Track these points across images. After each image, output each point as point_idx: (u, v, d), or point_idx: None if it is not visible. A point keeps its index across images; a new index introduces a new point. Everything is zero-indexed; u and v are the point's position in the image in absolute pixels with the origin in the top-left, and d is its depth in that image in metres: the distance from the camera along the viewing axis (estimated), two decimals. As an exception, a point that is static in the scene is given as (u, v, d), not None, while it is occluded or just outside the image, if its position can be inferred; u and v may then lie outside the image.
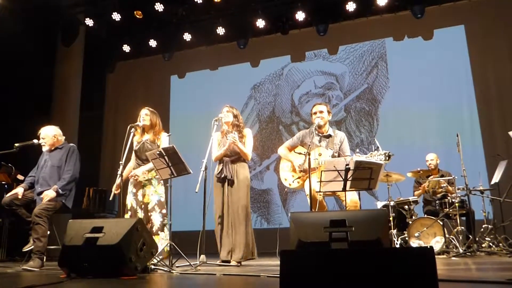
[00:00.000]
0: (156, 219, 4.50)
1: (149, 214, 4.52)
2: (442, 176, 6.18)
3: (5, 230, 6.25)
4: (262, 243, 7.01)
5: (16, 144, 4.98)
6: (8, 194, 4.67)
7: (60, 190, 4.53)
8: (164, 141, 4.71)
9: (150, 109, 4.82)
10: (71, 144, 4.91)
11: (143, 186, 4.60)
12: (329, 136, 4.56)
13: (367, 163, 3.80)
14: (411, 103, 8.05)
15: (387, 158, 4.02)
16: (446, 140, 6.97)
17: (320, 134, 4.57)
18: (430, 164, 6.29)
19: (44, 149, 4.80)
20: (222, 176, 4.62)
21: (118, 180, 4.47)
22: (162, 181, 4.61)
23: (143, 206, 4.56)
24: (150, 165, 4.41)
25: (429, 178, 6.10)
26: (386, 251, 1.91)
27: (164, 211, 4.55)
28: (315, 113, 4.60)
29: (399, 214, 5.96)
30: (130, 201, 4.61)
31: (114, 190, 4.59)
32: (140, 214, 4.51)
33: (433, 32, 8.25)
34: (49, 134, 4.81)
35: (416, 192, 6.34)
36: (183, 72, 9.96)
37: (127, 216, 4.55)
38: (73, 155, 4.77)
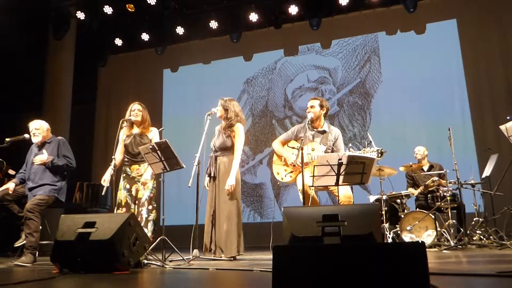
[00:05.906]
0: (144, 214, 4.44)
1: (140, 209, 4.46)
2: (431, 166, 6.23)
3: (-3, 225, 6.21)
4: (255, 237, 7.08)
5: (7, 139, 4.90)
6: (-1, 189, 4.64)
7: (53, 161, 4.52)
8: (155, 136, 4.67)
9: (142, 104, 4.76)
10: (60, 137, 4.85)
11: (137, 181, 4.56)
12: (323, 131, 4.55)
13: (360, 157, 3.81)
14: (403, 97, 8.08)
15: (379, 155, 4.03)
16: (438, 134, 7.01)
17: (315, 129, 4.56)
18: (416, 155, 6.29)
19: (36, 140, 4.69)
20: (209, 173, 4.60)
21: (108, 173, 4.46)
22: (154, 176, 4.55)
23: (136, 201, 4.50)
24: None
25: (421, 173, 6.14)
26: (378, 246, 1.92)
27: (150, 206, 4.47)
28: (307, 107, 4.61)
29: (392, 208, 6.01)
30: (124, 196, 4.52)
31: (103, 182, 4.52)
32: (135, 210, 4.45)
33: (426, 26, 8.27)
34: (44, 127, 4.75)
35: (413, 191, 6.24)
36: (175, 66, 9.91)
37: (120, 212, 4.45)
38: (65, 145, 4.74)
